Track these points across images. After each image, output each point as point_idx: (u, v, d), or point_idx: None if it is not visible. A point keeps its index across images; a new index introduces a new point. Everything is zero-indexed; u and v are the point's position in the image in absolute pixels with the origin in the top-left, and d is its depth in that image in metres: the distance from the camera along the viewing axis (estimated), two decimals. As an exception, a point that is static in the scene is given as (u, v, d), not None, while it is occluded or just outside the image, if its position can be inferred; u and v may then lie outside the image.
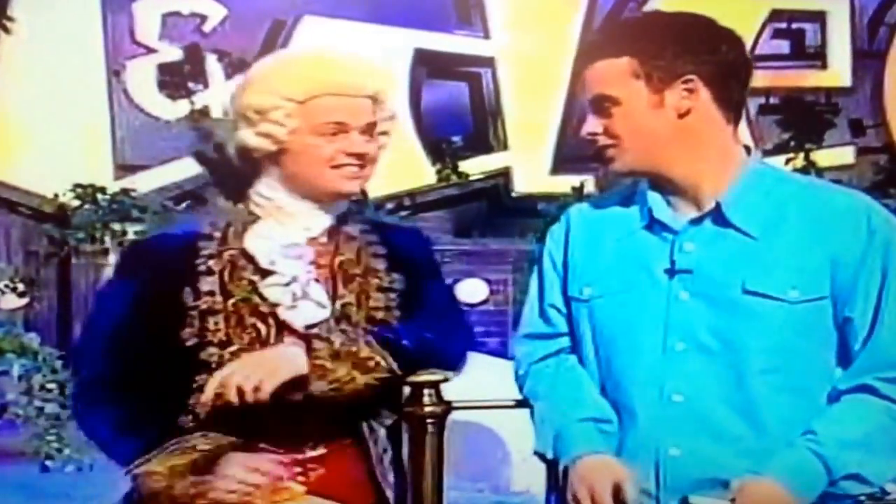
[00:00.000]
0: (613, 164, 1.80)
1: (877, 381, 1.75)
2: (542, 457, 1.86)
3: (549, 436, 1.83)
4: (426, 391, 2.15)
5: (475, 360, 2.15)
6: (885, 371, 1.74)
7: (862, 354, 1.75)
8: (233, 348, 1.84)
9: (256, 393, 1.79)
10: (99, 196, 5.95)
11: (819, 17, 6.38)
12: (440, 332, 1.93)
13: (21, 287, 5.86)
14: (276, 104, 1.84)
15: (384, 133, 1.91)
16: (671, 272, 1.77)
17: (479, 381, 2.16)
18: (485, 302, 5.86)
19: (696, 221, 1.78)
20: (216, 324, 1.85)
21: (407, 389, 2.10)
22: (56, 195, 6.00)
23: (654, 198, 1.80)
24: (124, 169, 6.11)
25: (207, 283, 1.86)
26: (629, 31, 1.83)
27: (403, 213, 6.04)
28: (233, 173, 1.92)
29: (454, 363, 1.99)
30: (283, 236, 1.89)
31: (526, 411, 1.96)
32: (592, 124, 1.80)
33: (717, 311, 1.75)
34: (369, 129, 1.88)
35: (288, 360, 1.82)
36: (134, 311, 1.87)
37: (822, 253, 1.75)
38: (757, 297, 1.74)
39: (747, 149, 1.84)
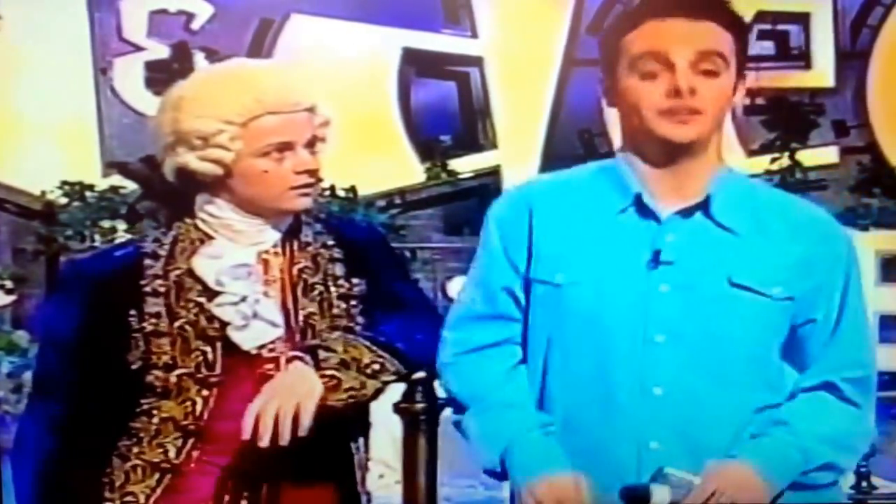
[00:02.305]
0: (684, 130, 1.72)
1: (842, 382, 1.78)
2: (491, 472, 1.80)
3: (496, 451, 1.77)
4: (418, 388, 2.17)
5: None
6: (847, 370, 1.78)
7: (826, 354, 1.79)
8: (178, 372, 1.81)
9: (298, 421, 1.72)
10: (87, 193, 5.92)
11: (803, 19, 6.40)
12: (428, 331, 1.90)
13: (9, 284, 5.84)
14: (218, 128, 1.79)
15: (322, 140, 1.87)
16: (653, 262, 1.75)
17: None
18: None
19: (683, 213, 1.77)
20: (161, 347, 1.81)
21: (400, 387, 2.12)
22: (44, 193, 5.96)
23: (636, 182, 1.77)
24: (112, 166, 6.09)
25: (153, 305, 1.82)
26: (734, 13, 1.77)
27: (393, 212, 6.04)
28: (170, 190, 1.87)
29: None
30: (233, 255, 1.85)
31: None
32: (692, 80, 1.70)
33: (700, 303, 1.74)
34: (312, 143, 1.84)
35: (309, 379, 1.76)
36: (79, 337, 1.82)
37: (796, 254, 1.77)
38: (743, 291, 1.75)
39: None
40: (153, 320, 1.81)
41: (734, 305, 1.74)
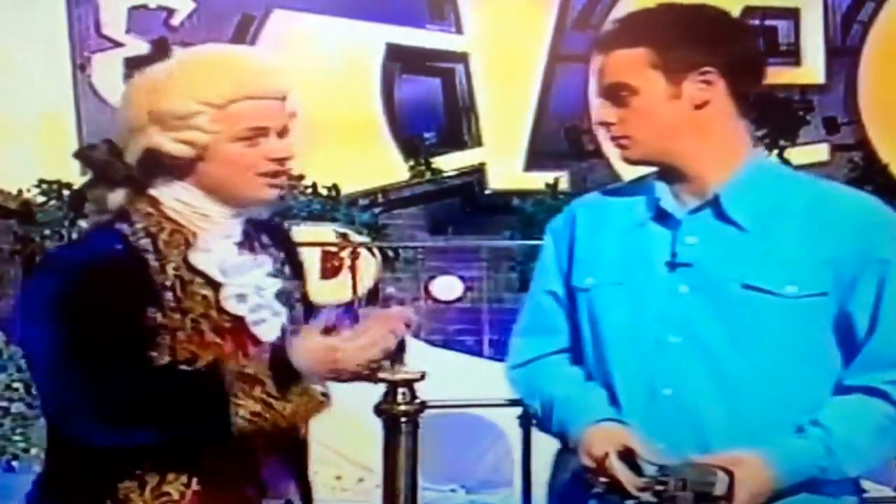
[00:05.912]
0: (626, 153, 1.82)
1: (887, 386, 1.75)
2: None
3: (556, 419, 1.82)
4: (400, 390, 2.10)
5: (450, 358, 2.10)
6: (890, 372, 1.75)
7: (865, 351, 1.76)
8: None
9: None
10: (65, 192, 5.86)
11: (792, 14, 6.38)
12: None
13: (-16, 285, 5.78)
14: (197, 110, 1.79)
15: (289, 131, 1.87)
16: (672, 265, 1.77)
17: (453, 379, 2.11)
18: (459, 299, 5.82)
19: (695, 211, 1.79)
20: (174, 341, 1.78)
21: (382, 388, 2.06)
22: (20, 191, 5.91)
23: (661, 188, 1.81)
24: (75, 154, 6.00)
25: (166, 300, 1.79)
26: (646, 21, 1.83)
27: (376, 211, 6.00)
28: (126, 177, 1.83)
29: None
30: (224, 248, 1.84)
31: (500, 410, 1.92)
32: (606, 112, 1.80)
33: (716, 305, 1.75)
34: (284, 132, 1.84)
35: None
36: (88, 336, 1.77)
37: (823, 250, 1.76)
38: (755, 292, 1.74)
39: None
40: (170, 315, 1.81)
41: (748, 307, 1.75)
